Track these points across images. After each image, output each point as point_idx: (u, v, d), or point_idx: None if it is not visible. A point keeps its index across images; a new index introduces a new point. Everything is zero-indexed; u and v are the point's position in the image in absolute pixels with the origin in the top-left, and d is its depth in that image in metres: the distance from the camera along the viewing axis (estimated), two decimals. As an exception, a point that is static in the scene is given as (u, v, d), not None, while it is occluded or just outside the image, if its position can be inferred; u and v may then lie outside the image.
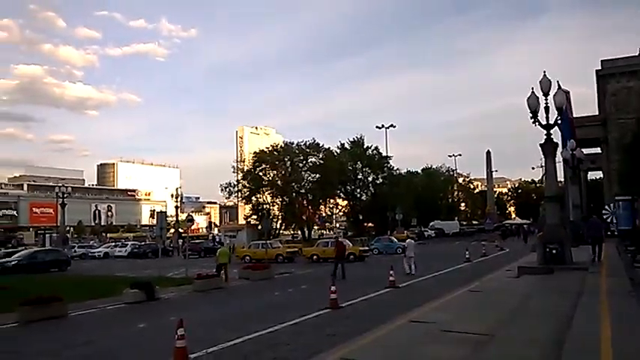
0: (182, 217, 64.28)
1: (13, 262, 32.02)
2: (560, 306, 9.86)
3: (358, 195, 69.81)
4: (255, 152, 65.82)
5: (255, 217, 60.46)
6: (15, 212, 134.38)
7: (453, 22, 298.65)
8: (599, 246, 18.73)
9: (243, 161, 67.71)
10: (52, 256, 35.71)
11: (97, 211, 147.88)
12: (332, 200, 67.39)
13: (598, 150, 54.53)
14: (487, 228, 64.06)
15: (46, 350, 10.12)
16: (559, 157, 25.54)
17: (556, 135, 19.43)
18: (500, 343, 7.44)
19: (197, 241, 58.65)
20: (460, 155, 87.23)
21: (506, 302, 11.27)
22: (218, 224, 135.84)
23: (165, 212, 32.18)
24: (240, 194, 63.07)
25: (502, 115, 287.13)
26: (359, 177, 68.80)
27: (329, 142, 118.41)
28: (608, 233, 28.55)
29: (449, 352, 7.16)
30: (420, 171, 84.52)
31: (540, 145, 16.89)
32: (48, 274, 29.85)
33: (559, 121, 16.85)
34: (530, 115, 16.21)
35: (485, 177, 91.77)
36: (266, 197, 61.32)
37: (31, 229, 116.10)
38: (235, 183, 62.38)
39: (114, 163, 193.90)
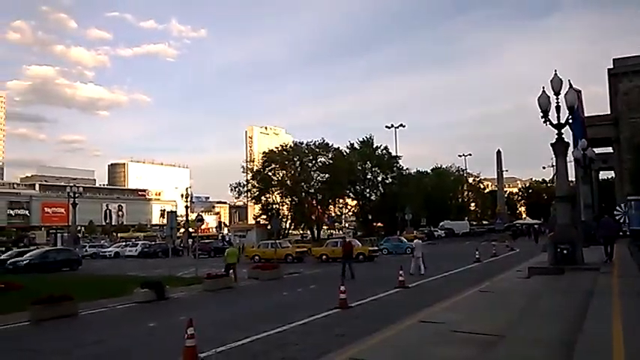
0: (192, 216, 64.48)
1: (25, 262, 32.31)
2: (571, 306, 9.78)
3: (367, 195, 69.70)
4: (264, 152, 65.93)
5: (264, 216, 60.56)
6: (27, 212, 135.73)
7: (464, 21, 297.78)
8: (611, 246, 18.54)
9: (253, 161, 67.82)
10: (63, 255, 36.01)
11: (107, 211, 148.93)
12: (341, 200, 67.29)
13: (610, 149, 54.04)
14: (497, 228, 63.74)
15: (58, 349, 10.20)
16: (570, 157, 25.33)
17: (567, 134, 19.25)
18: (510, 344, 7.39)
19: (207, 240, 58.85)
20: (470, 155, 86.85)
21: (516, 302, 11.20)
22: (228, 224, 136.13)
23: (176, 212, 32.31)
24: (249, 194, 63.21)
25: (512, 115, 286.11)
26: (368, 177, 68.69)
27: (338, 141, 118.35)
28: (620, 234, 28.24)
29: (458, 352, 7.12)
30: (429, 171, 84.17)
31: (551, 144, 16.76)
32: (59, 274, 30.08)
33: (570, 121, 16.69)
34: (541, 114, 16.08)
35: (495, 177, 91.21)
36: (275, 197, 61.40)
37: (42, 228, 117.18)
38: (245, 183, 62.57)
39: (124, 163, 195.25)
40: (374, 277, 22.46)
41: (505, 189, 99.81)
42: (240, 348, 9.18)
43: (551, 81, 16.04)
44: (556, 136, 16.43)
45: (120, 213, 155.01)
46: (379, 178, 69.23)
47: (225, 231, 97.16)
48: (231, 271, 21.85)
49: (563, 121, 16.24)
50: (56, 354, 9.87)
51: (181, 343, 7.97)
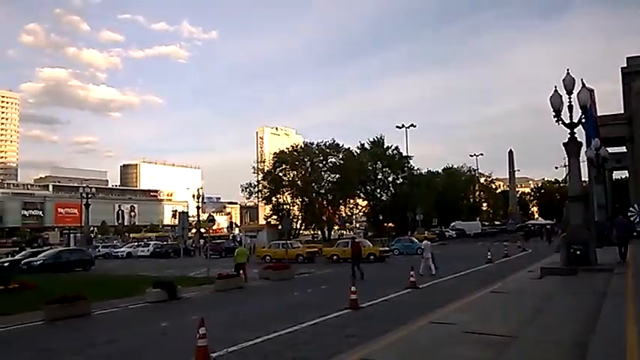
0: (203, 217, 64.72)
1: (39, 262, 32.63)
2: (584, 307, 9.70)
3: (378, 195, 69.63)
4: (275, 153, 66.05)
5: (275, 217, 60.60)
6: (41, 212, 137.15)
7: (475, 20, 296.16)
8: (625, 246, 18.34)
9: (264, 162, 67.97)
10: (76, 255, 36.31)
11: (120, 212, 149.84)
12: (352, 200, 67.19)
13: (623, 149, 53.34)
14: (509, 228, 63.36)
15: (71, 348, 10.29)
16: (583, 157, 25.09)
17: (580, 134, 19.09)
18: (523, 345, 7.34)
19: (218, 241, 59.06)
20: (482, 155, 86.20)
21: (528, 303, 11.12)
22: (239, 224, 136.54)
23: (187, 212, 32.58)
24: (260, 194, 63.36)
25: (524, 114, 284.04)
26: (379, 177, 68.65)
27: (349, 142, 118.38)
28: (635, 234, 27.94)
29: (470, 353, 7.09)
30: (440, 171, 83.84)
31: (564, 144, 16.59)
32: (72, 274, 30.34)
33: (583, 120, 16.54)
34: (554, 113, 15.95)
35: (507, 177, 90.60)
36: (286, 197, 61.47)
37: (56, 229, 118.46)
38: (256, 183, 62.73)
39: (137, 164, 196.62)
40: (385, 277, 22.43)
41: (517, 189, 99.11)
42: (251, 348, 9.22)
43: (563, 80, 15.89)
44: (568, 136, 16.28)
45: (132, 213, 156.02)
46: (390, 179, 69.18)
47: (237, 231, 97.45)
48: (241, 270, 21.94)
49: (575, 120, 16.09)
50: (69, 353, 9.97)
51: (193, 342, 8.02)
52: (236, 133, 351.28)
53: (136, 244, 63.85)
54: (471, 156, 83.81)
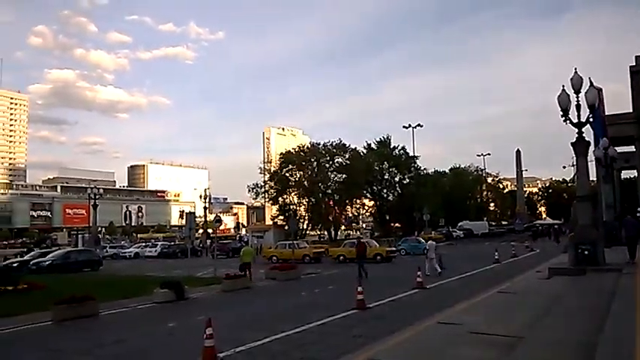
0: (210, 217, 64.95)
1: (47, 262, 32.84)
2: (593, 308, 9.64)
3: (385, 195, 69.56)
4: (281, 153, 66.18)
5: (281, 217, 60.70)
6: (49, 213, 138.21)
7: (481, 20, 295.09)
8: (634, 246, 18.21)
9: (270, 162, 68.14)
10: (84, 256, 36.50)
11: (127, 212, 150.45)
12: (358, 200, 67.17)
13: (632, 148, 52.93)
14: (517, 228, 63.11)
15: (79, 349, 10.35)
16: (591, 156, 24.93)
17: (588, 133, 18.96)
18: (530, 346, 7.31)
19: (225, 241, 59.20)
20: (489, 155, 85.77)
21: (536, 304, 11.07)
22: (245, 225, 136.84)
23: (194, 213, 32.65)
24: (267, 195, 63.49)
25: (532, 114, 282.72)
26: (385, 177, 68.56)
27: (355, 142, 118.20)
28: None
29: (477, 354, 7.07)
30: (447, 171, 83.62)
31: (572, 143, 16.48)
32: (81, 274, 30.50)
33: (591, 119, 16.44)
34: (562, 113, 15.86)
35: (514, 176, 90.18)
36: (293, 198, 61.57)
37: (64, 229, 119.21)
38: (262, 184, 62.87)
39: (144, 165, 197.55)
40: (391, 277, 22.40)
41: (525, 189, 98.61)
42: (259, 348, 9.24)
43: (571, 79, 15.79)
44: (576, 135, 16.18)
45: (140, 214, 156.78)
46: (396, 179, 69.10)
47: (243, 231, 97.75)
48: (247, 270, 22.05)
49: (583, 119, 15.99)
50: (77, 353, 10.03)
51: (200, 343, 8.04)
52: (243, 134, 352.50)
53: (143, 244, 64.11)
54: (478, 156, 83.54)
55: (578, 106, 15.77)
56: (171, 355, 9.68)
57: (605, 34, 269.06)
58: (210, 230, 58.02)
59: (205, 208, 71.43)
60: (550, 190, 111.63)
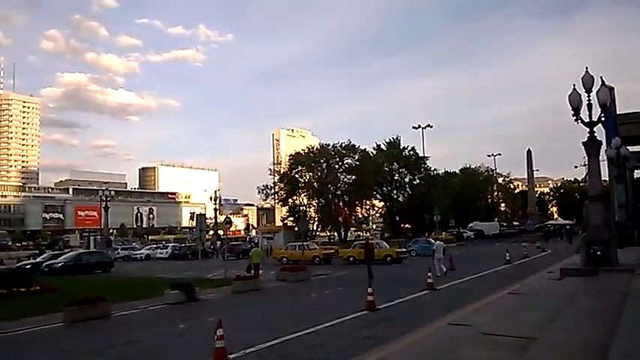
0: (221, 219, 65.09)
1: (59, 264, 33.08)
2: (605, 308, 9.55)
3: (395, 196, 69.30)
4: (291, 154, 66.19)
5: (291, 218, 60.67)
6: (61, 215, 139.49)
7: (491, 19, 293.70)
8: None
9: (280, 163, 68.17)
10: (96, 257, 36.70)
11: (138, 214, 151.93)
12: (368, 201, 66.95)
13: (645, 147, 52.42)
14: (528, 229, 62.46)
15: (91, 350, 10.40)
16: (603, 156, 24.67)
17: (600, 133, 18.76)
18: (542, 347, 7.25)
19: (235, 242, 59.37)
20: (500, 155, 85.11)
21: (547, 305, 10.99)
22: (256, 226, 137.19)
23: (205, 214, 32.70)
24: (277, 196, 63.49)
25: (543, 114, 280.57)
26: (395, 178, 68.29)
27: (365, 143, 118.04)
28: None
29: (488, 355, 7.03)
30: (458, 171, 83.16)
31: (583, 143, 16.34)
32: (93, 276, 30.71)
33: (603, 118, 16.28)
34: (573, 112, 15.72)
35: (525, 176, 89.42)
36: (302, 199, 61.55)
37: (76, 231, 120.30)
38: (272, 185, 62.86)
39: (155, 167, 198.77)
40: (402, 278, 22.34)
41: (536, 189, 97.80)
42: (269, 349, 9.25)
43: (582, 78, 15.67)
44: (588, 135, 16.04)
45: (150, 216, 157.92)
46: (406, 179, 68.82)
47: (253, 233, 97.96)
48: (254, 270, 22.18)
49: (595, 119, 15.84)
50: (89, 355, 10.08)
51: (211, 344, 8.08)
52: (252, 135, 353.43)
53: (154, 246, 64.44)
54: (489, 156, 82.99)
55: (589, 106, 15.63)
56: (182, 356, 9.70)
57: (616, 34, 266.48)
58: (220, 232, 58.14)
59: (216, 209, 71.64)
60: (561, 190, 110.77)
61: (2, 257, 50.13)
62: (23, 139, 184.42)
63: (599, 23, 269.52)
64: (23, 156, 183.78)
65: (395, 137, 69.01)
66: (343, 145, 63.01)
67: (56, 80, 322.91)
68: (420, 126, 61.23)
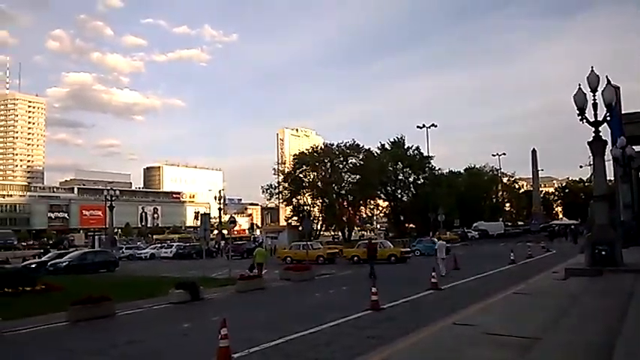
0: (225, 218, 65.33)
1: (64, 263, 33.20)
2: (610, 309, 9.51)
3: (399, 196, 69.29)
4: (295, 154, 66.28)
5: (295, 218, 60.80)
6: (66, 215, 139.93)
7: (495, 19, 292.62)
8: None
9: (284, 163, 68.39)
10: (101, 257, 36.83)
11: (143, 213, 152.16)
12: (372, 201, 66.96)
13: (651, 147, 52.16)
14: (533, 229, 62.43)
15: (94, 349, 10.43)
16: (608, 155, 24.57)
17: (605, 132, 18.68)
18: (546, 347, 7.23)
19: (240, 242, 59.49)
20: (504, 154, 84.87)
21: (552, 305, 10.95)
22: (260, 225, 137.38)
23: (209, 214, 32.84)
24: (281, 196, 63.58)
25: (548, 113, 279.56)
26: (400, 177, 68.29)
27: (369, 142, 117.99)
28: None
29: (493, 355, 7.01)
30: (462, 171, 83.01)
31: (588, 143, 16.27)
32: (97, 275, 30.80)
33: (608, 118, 16.20)
34: (578, 112, 15.66)
35: (530, 176, 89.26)
36: (306, 199, 61.59)
37: (81, 230, 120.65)
38: (276, 185, 62.95)
39: (159, 167, 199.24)
40: (406, 278, 22.32)
41: (541, 189, 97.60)
42: (273, 348, 9.26)
43: (587, 78, 15.60)
44: (593, 135, 15.97)
45: (155, 215, 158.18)
46: (411, 179, 68.79)
47: (258, 232, 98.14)
48: (257, 269, 22.26)
49: (600, 118, 15.77)
50: (92, 354, 10.11)
51: (215, 343, 8.08)
52: (257, 135, 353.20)
53: (159, 245, 64.63)
54: (494, 155, 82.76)
55: (594, 105, 15.56)
56: (186, 355, 9.72)
57: (617, 34, 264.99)
58: (225, 231, 58.30)
59: (220, 209, 71.94)
60: (566, 190, 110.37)
61: (8, 256, 50.40)
62: (29, 139, 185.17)
63: (600, 23, 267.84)
64: (29, 155, 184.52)
65: (399, 137, 69.09)
66: (347, 144, 63.11)
67: (61, 80, 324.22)
68: (424, 125, 61.06)
